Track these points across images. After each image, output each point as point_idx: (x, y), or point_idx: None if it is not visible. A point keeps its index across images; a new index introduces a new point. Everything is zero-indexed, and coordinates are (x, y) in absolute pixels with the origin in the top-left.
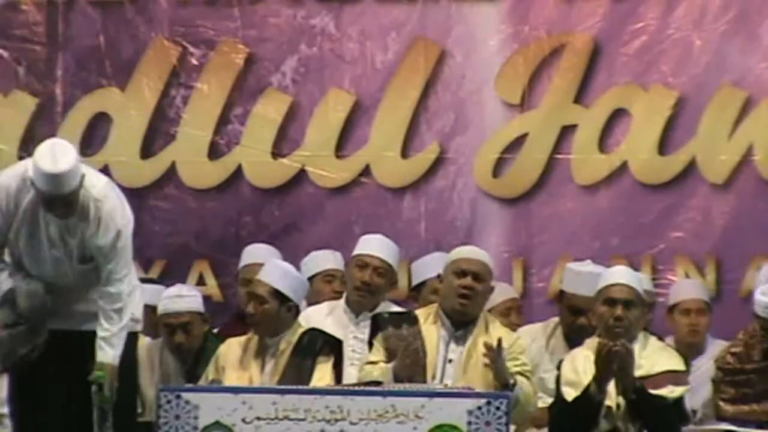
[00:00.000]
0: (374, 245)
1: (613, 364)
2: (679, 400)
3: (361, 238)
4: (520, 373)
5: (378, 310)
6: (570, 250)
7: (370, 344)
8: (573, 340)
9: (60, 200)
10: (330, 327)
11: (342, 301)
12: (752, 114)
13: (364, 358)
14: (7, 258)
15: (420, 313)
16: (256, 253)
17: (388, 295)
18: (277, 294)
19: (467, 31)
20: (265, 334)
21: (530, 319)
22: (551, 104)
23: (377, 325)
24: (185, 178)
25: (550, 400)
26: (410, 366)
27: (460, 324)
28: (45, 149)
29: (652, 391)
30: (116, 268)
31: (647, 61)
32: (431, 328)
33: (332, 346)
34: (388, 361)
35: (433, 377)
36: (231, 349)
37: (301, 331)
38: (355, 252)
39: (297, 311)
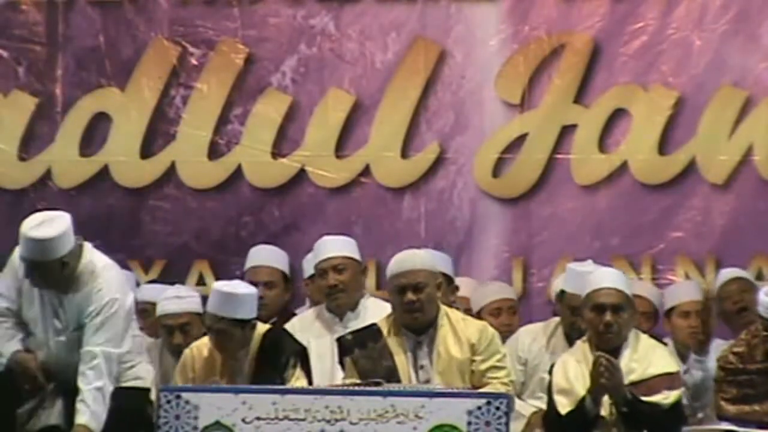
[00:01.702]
0: (325, 248)
1: (602, 378)
2: (675, 405)
3: (314, 247)
4: (494, 367)
5: (360, 307)
6: (570, 250)
7: (341, 364)
8: (574, 340)
9: (34, 267)
10: (316, 335)
11: (323, 307)
12: (752, 114)
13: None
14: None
15: (381, 324)
16: (261, 254)
17: (378, 294)
18: (237, 322)
19: (467, 31)
20: (234, 353)
21: (530, 319)
22: (551, 104)
23: (343, 348)
24: (185, 178)
25: None
26: (385, 379)
27: (421, 331)
28: (37, 217)
29: (646, 399)
30: (98, 333)
31: (647, 61)
32: (395, 340)
33: (297, 355)
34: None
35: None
36: (197, 358)
37: (261, 332)
38: (314, 262)
39: (257, 321)
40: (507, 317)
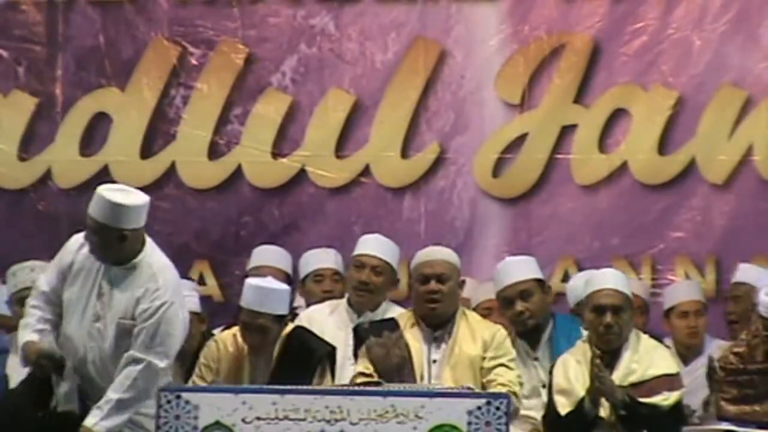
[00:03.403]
0: (371, 245)
1: (595, 382)
2: (675, 406)
3: (360, 239)
4: (503, 365)
5: (380, 310)
6: (570, 250)
7: (356, 356)
8: (530, 335)
9: (96, 229)
10: (331, 327)
11: (344, 301)
12: (752, 114)
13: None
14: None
15: (400, 318)
16: (265, 255)
17: (388, 295)
18: (277, 317)
19: (467, 31)
20: (264, 350)
21: None
22: (551, 104)
23: (359, 336)
24: (185, 178)
25: (527, 403)
26: (397, 368)
27: (438, 325)
28: (119, 185)
29: (646, 401)
30: (149, 339)
31: (647, 61)
32: (411, 332)
33: (328, 358)
34: (374, 370)
35: (421, 378)
36: (222, 353)
37: (286, 331)
38: (354, 253)
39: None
40: (497, 317)
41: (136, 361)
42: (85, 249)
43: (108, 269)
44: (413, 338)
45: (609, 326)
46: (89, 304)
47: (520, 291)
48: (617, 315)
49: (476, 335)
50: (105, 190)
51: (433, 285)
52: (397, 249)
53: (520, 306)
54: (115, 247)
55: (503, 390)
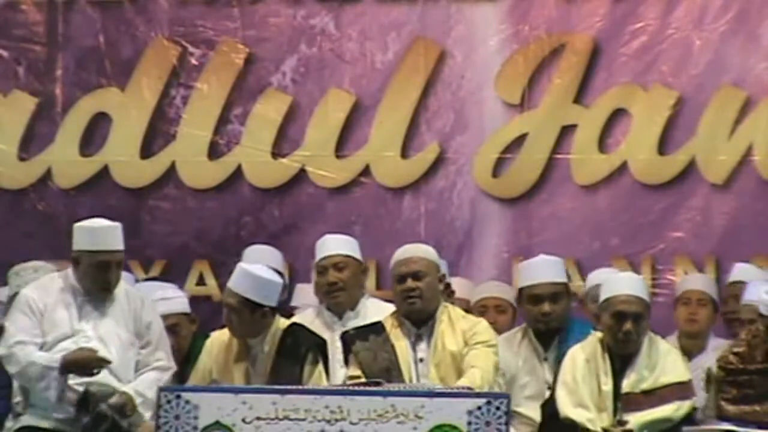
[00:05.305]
0: (327, 246)
1: None
2: (687, 414)
3: (316, 245)
4: (476, 349)
5: (360, 307)
6: (570, 250)
7: (346, 362)
8: (545, 335)
9: (112, 259)
10: (317, 330)
11: (323, 306)
12: (752, 114)
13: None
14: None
15: (385, 320)
16: (256, 254)
17: (378, 294)
18: (248, 302)
19: (467, 31)
20: (244, 337)
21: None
22: (551, 104)
23: (346, 342)
24: (185, 178)
25: (532, 405)
26: (385, 371)
27: (421, 323)
28: (87, 221)
29: (659, 415)
30: (164, 344)
31: (647, 61)
32: (397, 332)
33: (317, 348)
34: (363, 374)
35: (409, 378)
36: (215, 346)
37: (283, 327)
38: (315, 261)
39: (273, 312)
40: (492, 316)
41: (163, 369)
42: (42, 292)
43: (79, 299)
44: (398, 339)
45: (628, 333)
46: (79, 331)
47: (552, 293)
48: (636, 323)
49: (457, 330)
50: (98, 222)
51: (409, 283)
52: (354, 240)
53: (548, 307)
54: (121, 268)
55: (475, 371)
